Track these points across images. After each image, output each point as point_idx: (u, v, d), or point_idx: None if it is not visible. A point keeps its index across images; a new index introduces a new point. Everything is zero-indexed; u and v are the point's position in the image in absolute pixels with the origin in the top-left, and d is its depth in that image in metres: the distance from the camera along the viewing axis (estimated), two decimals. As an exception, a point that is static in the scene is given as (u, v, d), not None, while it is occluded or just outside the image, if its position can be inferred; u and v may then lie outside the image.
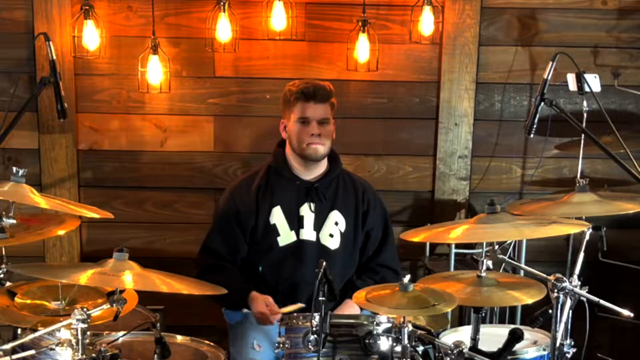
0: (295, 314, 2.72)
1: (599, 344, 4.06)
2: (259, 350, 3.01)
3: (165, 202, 4.14)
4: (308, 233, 3.23)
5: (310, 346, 2.55)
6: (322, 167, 3.29)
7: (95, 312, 2.33)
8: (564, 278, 2.50)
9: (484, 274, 2.67)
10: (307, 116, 3.17)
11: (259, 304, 3.05)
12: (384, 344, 2.55)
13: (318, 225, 3.24)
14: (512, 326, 2.60)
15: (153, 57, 3.82)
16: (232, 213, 3.25)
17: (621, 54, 4.11)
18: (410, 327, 2.47)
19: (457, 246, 3.86)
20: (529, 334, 2.79)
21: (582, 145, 3.69)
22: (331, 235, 3.25)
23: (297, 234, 3.22)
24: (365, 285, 3.08)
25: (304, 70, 4.04)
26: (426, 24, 3.91)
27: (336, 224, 3.26)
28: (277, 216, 3.22)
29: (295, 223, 3.23)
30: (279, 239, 3.22)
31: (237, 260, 3.26)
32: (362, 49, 3.88)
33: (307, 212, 3.23)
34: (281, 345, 2.64)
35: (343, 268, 3.27)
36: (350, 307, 3.10)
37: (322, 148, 3.21)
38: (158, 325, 2.55)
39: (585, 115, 3.70)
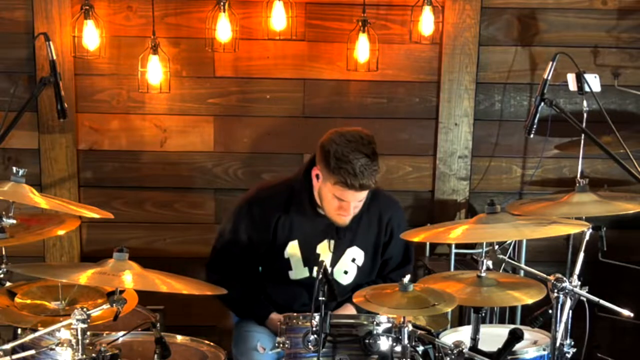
0: (295, 314, 2.72)
1: (599, 344, 4.06)
2: (262, 353, 2.99)
3: (165, 202, 4.14)
4: None
5: (310, 346, 2.55)
6: None
7: (95, 312, 2.33)
8: (564, 278, 2.50)
9: (484, 274, 2.67)
10: (347, 200, 2.91)
11: None
12: (384, 344, 2.55)
13: (334, 263, 3.08)
14: (512, 326, 2.60)
15: (153, 57, 3.81)
16: (244, 231, 3.07)
17: (621, 54, 4.11)
18: (410, 327, 2.47)
19: (457, 246, 3.86)
20: (529, 334, 2.79)
21: (582, 145, 3.69)
22: (345, 272, 3.11)
23: (310, 271, 3.07)
24: None
25: (304, 70, 4.04)
26: (426, 24, 3.91)
27: (353, 260, 3.11)
28: (293, 251, 3.06)
29: (311, 260, 3.05)
30: (290, 272, 3.09)
31: (248, 271, 3.17)
32: (362, 49, 3.87)
33: (324, 250, 3.07)
34: (281, 345, 2.64)
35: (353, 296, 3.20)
36: (347, 310, 3.04)
37: (349, 218, 2.98)
38: (158, 325, 2.55)
39: (585, 115, 3.70)
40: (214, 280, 3.05)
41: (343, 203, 2.92)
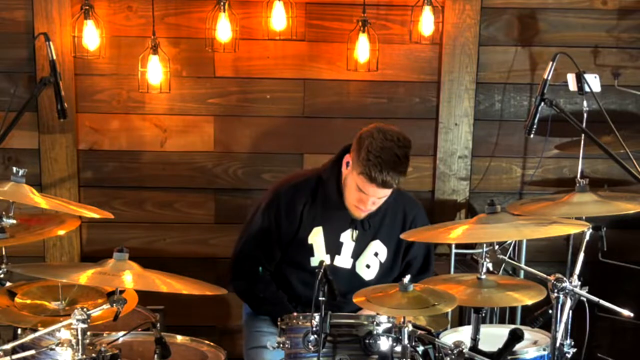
0: (295, 314, 2.72)
1: (599, 344, 4.06)
2: (272, 350, 2.98)
3: (165, 202, 4.14)
4: (344, 261, 3.10)
5: (310, 346, 2.55)
6: None
7: (95, 312, 2.33)
8: (564, 278, 2.50)
9: (483, 277, 2.67)
10: (367, 194, 2.93)
11: None
12: (384, 344, 2.55)
13: (356, 254, 3.10)
14: (512, 326, 2.60)
15: (153, 57, 3.81)
16: (274, 219, 3.09)
17: (621, 54, 4.11)
18: (410, 327, 2.47)
19: (457, 246, 3.86)
20: (529, 334, 2.79)
21: (582, 145, 3.69)
22: (368, 266, 3.12)
23: (332, 259, 3.09)
24: None
25: (304, 70, 4.04)
26: (426, 24, 3.91)
27: (376, 254, 3.12)
28: (317, 237, 3.07)
29: (333, 248, 3.08)
30: (312, 259, 3.09)
31: (272, 266, 3.17)
32: (362, 49, 3.87)
33: (347, 239, 3.09)
34: (281, 345, 2.64)
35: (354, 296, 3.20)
36: None
37: (365, 214, 3.03)
38: (158, 325, 2.55)
39: (585, 115, 3.71)
40: (241, 289, 3.12)
41: (363, 196, 2.94)
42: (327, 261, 3.08)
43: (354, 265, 3.11)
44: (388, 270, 3.16)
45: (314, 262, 3.08)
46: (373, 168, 2.85)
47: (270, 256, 3.15)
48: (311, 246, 3.09)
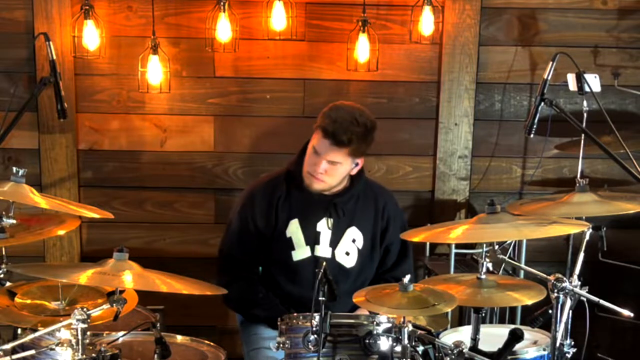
0: (295, 314, 2.72)
1: (599, 344, 4.06)
2: (276, 352, 2.98)
3: (165, 202, 4.14)
4: (323, 250, 3.13)
5: (310, 346, 2.55)
6: (343, 182, 3.16)
7: (95, 312, 2.33)
8: (564, 278, 2.50)
9: (483, 277, 2.67)
10: (318, 151, 3.03)
11: None
12: (384, 344, 2.55)
13: (334, 242, 3.14)
14: (512, 326, 2.60)
15: (153, 57, 3.81)
16: (250, 219, 3.14)
17: (621, 54, 4.11)
18: (410, 327, 2.47)
19: (457, 246, 3.86)
20: (529, 334, 2.79)
21: (582, 145, 3.69)
22: (347, 253, 3.15)
23: (312, 250, 3.13)
24: None
25: (304, 70, 4.04)
26: (426, 24, 3.91)
27: (353, 241, 3.17)
28: (294, 229, 3.12)
29: (311, 238, 3.12)
30: (293, 253, 3.13)
31: (257, 268, 3.21)
32: (362, 49, 3.88)
33: (324, 228, 3.13)
34: (281, 345, 2.64)
35: (360, 285, 3.16)
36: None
37: (319, 185, 3.07)
38: (158, 325, 2.55)
39: (585, 115, 3.70)
40: (238, 292, 3.10)
41: (315, 158, 3.02)
42: (309, 253, 3.13)
43: (333, 254, 3.14)
44: (367, 256, 3.20)
45: (296, 256, 3.13)
46: (328, 120, 2.99)
47: (255, 256, 3.18)
48: (290, 239, 3.13)
